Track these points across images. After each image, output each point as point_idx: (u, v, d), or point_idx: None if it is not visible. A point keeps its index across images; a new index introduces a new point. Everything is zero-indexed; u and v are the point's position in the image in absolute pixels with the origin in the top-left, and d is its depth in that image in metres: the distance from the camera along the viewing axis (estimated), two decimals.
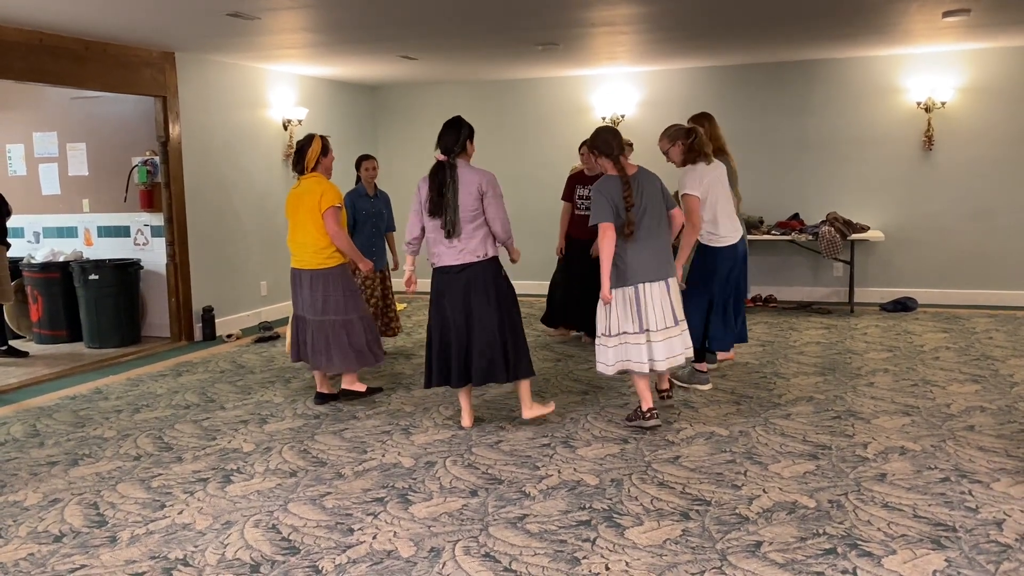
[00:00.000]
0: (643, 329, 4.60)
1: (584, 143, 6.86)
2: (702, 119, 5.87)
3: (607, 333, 4.68)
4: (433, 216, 4.66)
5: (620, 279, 4.60)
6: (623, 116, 9.28)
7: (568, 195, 7.01)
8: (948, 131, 8.40)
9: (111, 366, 6.76)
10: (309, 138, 5.25)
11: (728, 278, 5.48)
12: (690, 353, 4.80)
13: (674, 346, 4.68)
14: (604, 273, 4.55)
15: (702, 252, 5.39)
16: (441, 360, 4.80)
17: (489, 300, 4.68)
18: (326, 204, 5.10)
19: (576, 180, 6.95)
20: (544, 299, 7.63)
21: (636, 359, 4.60)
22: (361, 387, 5.48)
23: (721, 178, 5.31)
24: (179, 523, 3.63)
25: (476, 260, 4.66)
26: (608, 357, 4.67)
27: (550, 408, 4.89)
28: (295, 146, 5.32)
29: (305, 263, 5.23)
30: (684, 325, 4.77)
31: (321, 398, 5.43)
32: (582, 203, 6.86)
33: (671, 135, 5.30)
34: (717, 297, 5.47)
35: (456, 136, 4.66)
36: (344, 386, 5.44)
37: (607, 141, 4.65)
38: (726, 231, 5.34)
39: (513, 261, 4.93)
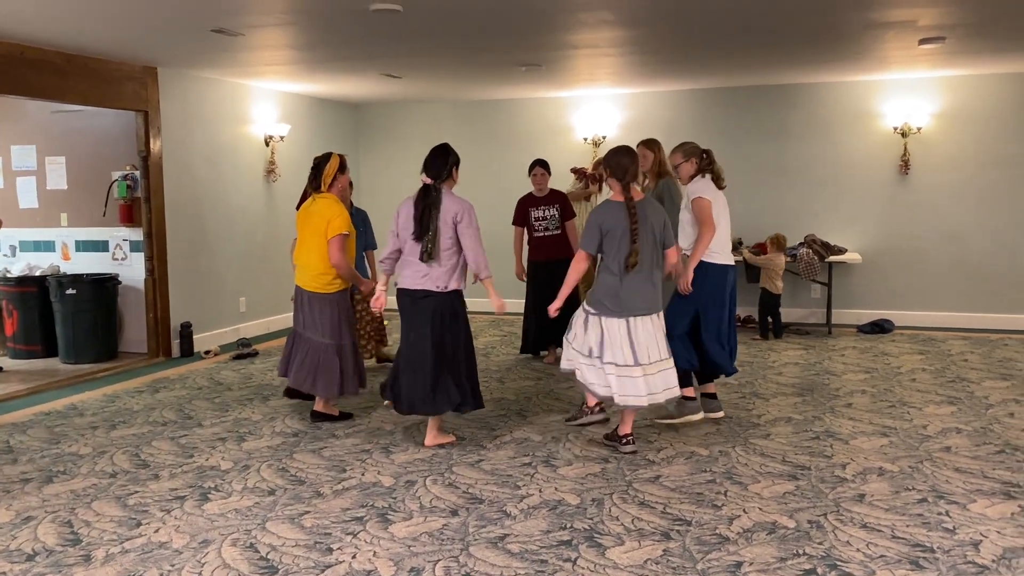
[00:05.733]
0: (637, 363, 4.53)
1: (535, 165, 6.92)
2: (652, 144, 5.89)
3: (583, 352, 4.63)
4: (414, 239, 4.68)
5: (612, 310, 4.55)
6: (604, 137, 9.35)
7: (520, 219, 6.98)
8: (924, 156, 8.53)
9: (87, 382, 6.68)
10: (327, 156, 5.25)
11: (720, 297, 5.14)
12: (674, 392, 4.69)
13: (668, 379, 4.62)
14: (562, 294, 4.65)
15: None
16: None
17: (451, 330, 4.70)
18: (333, 232, 5.05)
19: (527, 203, 6.95)
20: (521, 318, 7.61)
21: (630, 391, 4.55)
22: (334, 411, 5.43)
23: (724, 206, 5.15)
24: (155, 541, 3.58)
25: (436, 290, 4.67)
26: (590, 378, 4.63)
27: (451, 439, 4.92)
28: (312, 163, 5.29)
29: (305, 284, 5.24)
30: (670, 361, 4.68)
31: (315, 416, 5.39)
32: (540, 224, 6.87)
33: (687, 151, 5.18)
34: (711, 317, 5.14)
35: (444, 162, 4.70)
36: (316, 408, 5.40)
37: (621, 164, 4.56)
38: (720, 249, 5.11)
39: (496, 310, 4.79)
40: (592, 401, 4.96)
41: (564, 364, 4.76)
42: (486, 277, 4.73)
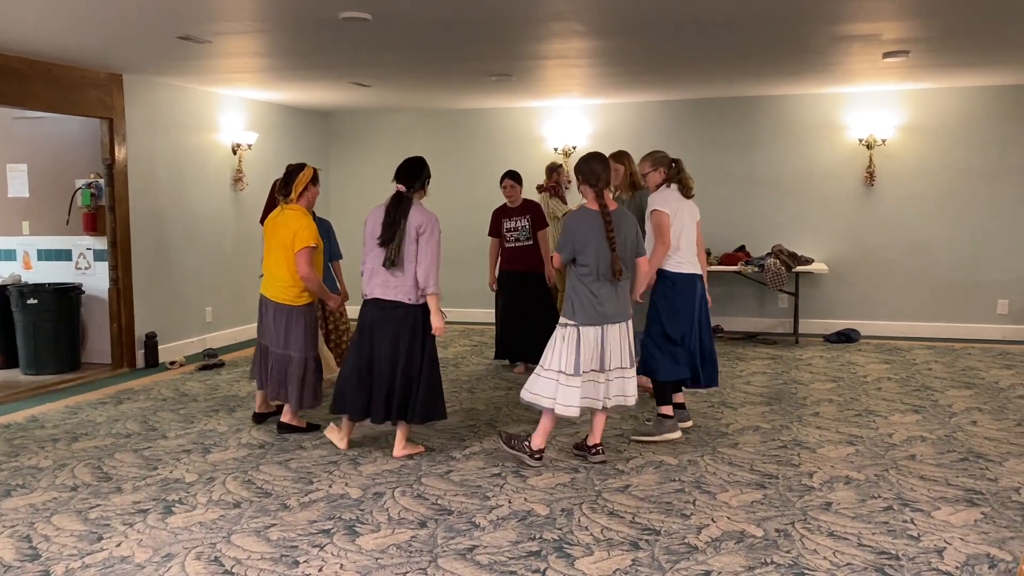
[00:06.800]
0: (604, 368, 4.55)
1: (505, 177, 6.92)
2: (622, 156, 5.91)
3: (565, 371, 4.50)
4: (380, 244, 4.65)
5: (591, 318, 4.50)
6: (575, 147, 9.38)
7: (495, 230, 6.99)
8: (889, 168, 8.65)
9: (48, 393, 6.55)
10: (301, 165, 5.23)
11: (691, 308, 5.12)
12: (631, 402, 4.66)
13: (626, 387, 4.61)
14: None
15: (661, 278, 5.10)
16: (360, 391, 4.73)
17: (415, 343, 4.68)
18: (300, 244, 5.01)
19: (501, 214, 6.96)
20: (492, 326, 7.60)
21: (566, 400, 4.50)
22: (301, 423, 5.37)
23: (692, 215, 5.15)
24: (117, 556, 3.51)
25: (407, 302, 4.65)
26: (571, 398, 4.50)
27: (420, 449, 4.90)
28: (285, 170, 5.26)
29: (271, 295, 5.19)
30: (632, 371, 4.66)
31: (259, 418, 5.42)
32: (511, 235, 6.87)
33: (656, 160, 5.18)
34: (684, 328, 5.12)
35: (419, 173, 4.72)
36: (284, 419, 5.34)
37: (594, 171, 4.51)
38: (687, 260, 5.10)
39: (434, 332, 4.69)
40: (593, 440, 4.71)
41: (527, 397, 4.64)
42: (432, 293, 4.64)
